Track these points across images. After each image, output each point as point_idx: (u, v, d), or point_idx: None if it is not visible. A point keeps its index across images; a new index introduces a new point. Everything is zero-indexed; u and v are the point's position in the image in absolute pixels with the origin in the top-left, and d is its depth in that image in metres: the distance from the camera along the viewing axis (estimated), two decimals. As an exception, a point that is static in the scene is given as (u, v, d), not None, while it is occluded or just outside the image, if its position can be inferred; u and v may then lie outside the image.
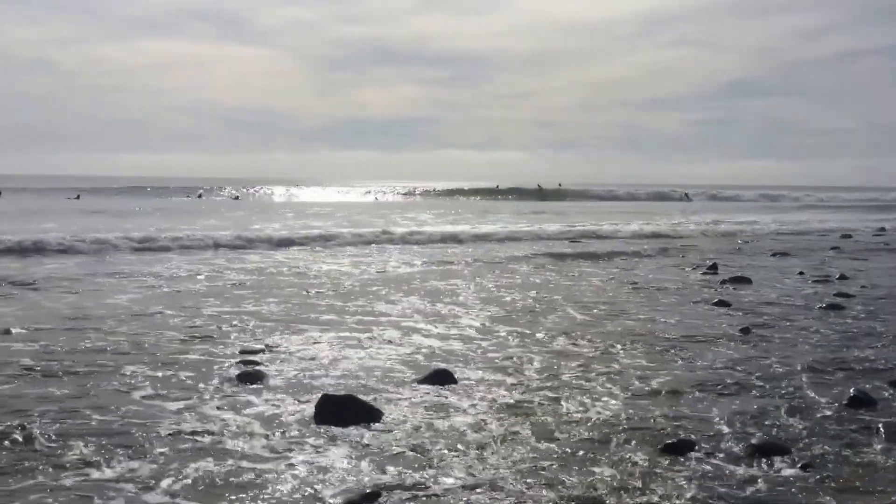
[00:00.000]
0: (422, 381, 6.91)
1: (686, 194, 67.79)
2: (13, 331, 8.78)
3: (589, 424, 5.86)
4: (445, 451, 5.24)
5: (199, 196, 61.23)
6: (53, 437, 5.40)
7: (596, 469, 5.00)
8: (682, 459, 5.17)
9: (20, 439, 5.35)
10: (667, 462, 5.13)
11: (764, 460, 5.16)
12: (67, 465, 4.95)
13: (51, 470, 4.88)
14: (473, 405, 6.30)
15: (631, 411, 6.18)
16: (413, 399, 6.44)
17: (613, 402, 6.44)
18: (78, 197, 51.05)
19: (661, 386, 6.93)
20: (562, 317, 10.34)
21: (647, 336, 9.08)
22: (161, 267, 15.15)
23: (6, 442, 5.30)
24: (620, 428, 5.78)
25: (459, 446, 5.35)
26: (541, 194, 63.54)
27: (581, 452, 5.28)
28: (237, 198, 61.26)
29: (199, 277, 13.75)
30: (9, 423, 5.60)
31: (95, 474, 4.84)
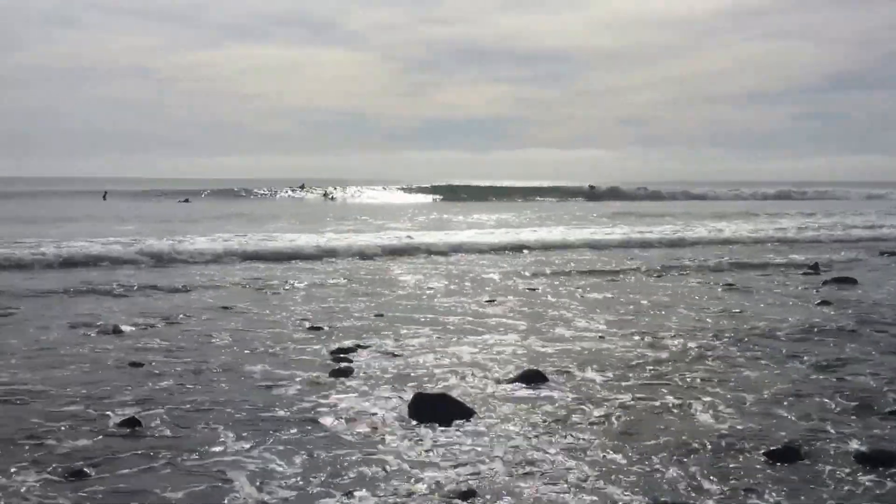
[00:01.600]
0: (514, 381, 6.91)
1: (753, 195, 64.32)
2: (124, 328, 9.19)
3: (692, 427, 5.75)
4: (539, 452, 5.23)
5: (301, 188, 66.27)
6: (177, 424, 5.69)
7: (698, 474, 4.90)
8: (787, 466, 5.01)
9: (148, 427, 5.64)
10: (771, 469, 4.99)
11: (874, 470, 4.95)
12: (192, 449, 5.19)
13: (176, 454, 5.15)
14: (567, 406, 6.25)
15: (735, 414, 6.03)
16: (506, 399, 6.43)
17: (717, 403, 6.29)
18: (187, 200, 52.66)
19: (765, 388, 6.74)
20: (660, 318, 10.18)
21: (748, 337, 8.83)
22: (249, 270, 15.57)
23: (135, 430, 5.60)
24: (725, 431, 5.65)
25: (552, 447, 5.32)
26: (592, 194, 62.53)
27: (682, 456, 5.18)
28: (333, 198, 61.87)
29: (287, 280, 14.06)
30: (136, 413, 5.90)
31: (215, 457, 5.11)
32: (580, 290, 12.76)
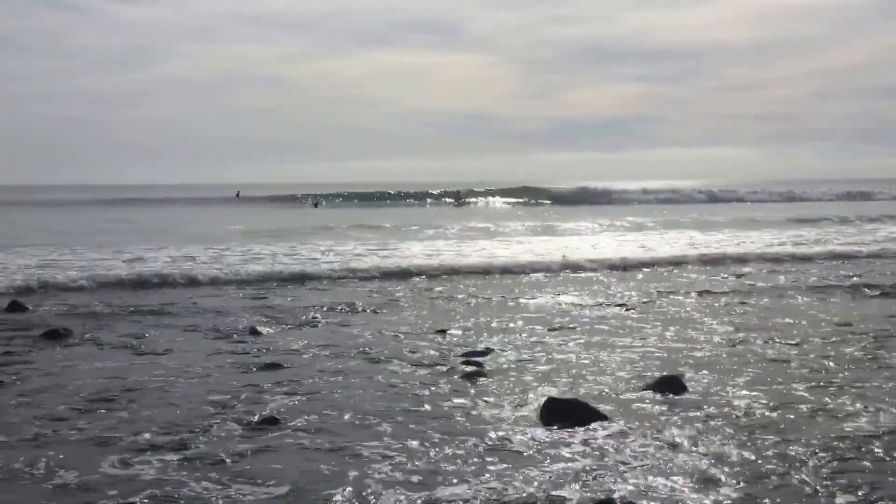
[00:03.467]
0: (649, 388, 6.72)
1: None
2: (261, 330, 9.54)
3: (842, 434, 5.44)
4: (677, 459, 5.06)
5: (456, 193, 62.75)
6: (315, 420, 5.85)
7: (849, 484, 4.61)
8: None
9: (287, 424, 5.83)
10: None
11: None
12: (332, 441, 5.34)
13: (316, 446, 5.35)
14: (706, 411, 6.03)
15: (890, 423, 5.67)
16: (640, 405, 6.27)
17: (872, 410, 5.95)
18: (316, 205, 54.02)
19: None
20: (805, 324, 9.72)
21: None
22: (378, 280, 15.81)
23: (275, 426, 5.79)
24: (880, 439, 5.32)
25: (691, 453, 5.14)
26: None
27: (831, 465, 4.89)
28: (459, 203, 61.06)
29: (412, 289, 14.20)
30: (273, 411, 6.11)
31: (354, 443, 5.33)
32: (716, 298, 12.37)
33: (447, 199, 62.03)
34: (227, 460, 5.11)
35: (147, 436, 5.58)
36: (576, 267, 16.15)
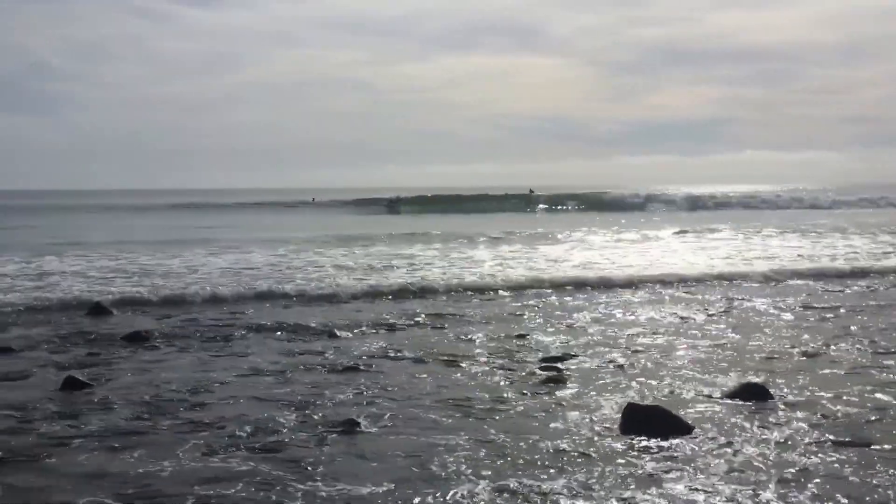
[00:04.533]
0: (732, 395, 6.53)
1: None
2: (338, 333, 9.65)
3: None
4: (765, 473, 4.88)
5: (530, 191, 62.52)
6: (394, 424, 5.86)
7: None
8: None
9: (366, 426, 5.84)
10: None
11: None
12: (408, 446, 5.35)
13: (392, 444, 5.42)
14: (795, 424, 5.82)
15: None
16: (722, 413, 6.10)
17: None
18: (393, 205, 54.47)
19: None
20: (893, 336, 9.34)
21: None
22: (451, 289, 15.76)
23: (355, 430, 5.80)
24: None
25: (780, 467, 4.96)
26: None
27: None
28: (534, 208, 60.16)
29: (483, 296, 14.10)
30: (356, 414, 6.13)
31: (428, 440, 5.44)
32: (804, 307, 12.01)
33: (523, 202, 61.10)
34: (316, 459, 5.19)
35: (232, 434, 5.70)
36: (657, 276, 15.77)
